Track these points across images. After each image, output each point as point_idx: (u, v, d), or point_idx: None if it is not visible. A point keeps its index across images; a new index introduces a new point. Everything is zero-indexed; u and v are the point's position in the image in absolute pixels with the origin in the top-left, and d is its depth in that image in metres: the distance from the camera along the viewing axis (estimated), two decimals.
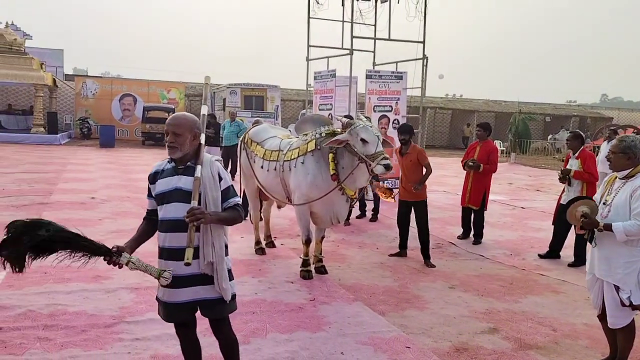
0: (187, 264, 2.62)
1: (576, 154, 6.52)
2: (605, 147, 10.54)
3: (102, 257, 2.64)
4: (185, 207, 2.66)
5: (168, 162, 2.89)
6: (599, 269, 3.62)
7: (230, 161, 12.73)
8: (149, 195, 2.93)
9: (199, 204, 2.71)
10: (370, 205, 9.11)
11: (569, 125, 30.74)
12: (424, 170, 6.55)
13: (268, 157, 5.95)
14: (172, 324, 3.02)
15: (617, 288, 3.51)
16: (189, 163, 2.82)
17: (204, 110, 2.99)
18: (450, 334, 4.32)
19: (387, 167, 4.98)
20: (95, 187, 10.92)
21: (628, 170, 3.54)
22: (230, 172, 12.70)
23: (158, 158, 18.16)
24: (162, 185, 2.82)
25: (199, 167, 2.76)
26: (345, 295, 5.13)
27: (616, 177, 3.65)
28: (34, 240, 2.48)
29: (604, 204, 3.64)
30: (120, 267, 2.70)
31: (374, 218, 8.91)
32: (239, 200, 2.89)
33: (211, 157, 2.90)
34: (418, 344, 4.08)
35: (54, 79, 25.12)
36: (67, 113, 26.70)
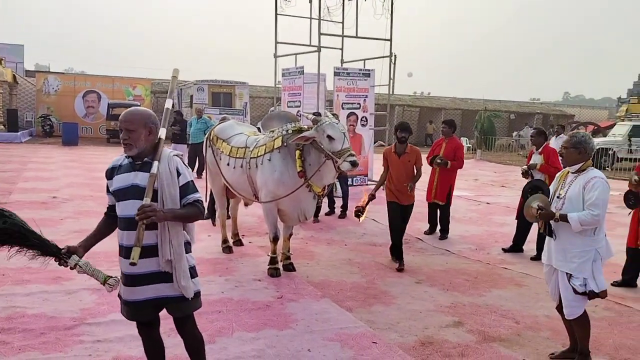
0: (133, 264, 2.54)
1: (539, 150, 6.68)
2: (553, 143, 10.78)
3: (52, 257, 2.60)
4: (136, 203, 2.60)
5: (126, 157, 2.80)
6: (556, 260, 3.73)
7: (197, 159, 12.55)
8: (108, 191, 2.84)
9: (156, 200, 2.64)
10: (339, 202, 9.13)
11: (533, 123, 31.49)
12: (415, 171, 6.23)
13: (234, 154, 5.88)
14: (134, 325, 2.95)
15: (569, 277, 3.63)
16: (146, 159, 2.73)
17: (169, 104, 2.91)
18: (416, 328, 4.37)
19: (354, 164, 5.00)
20: (57, 186, 10.63)
21: (579, 165, 3.71)
22: (197, 170, 12.54)
23: None
24: (119, 181, 2.74)
25: (155, 163, 2.66)
26: (313, 292, 5.12)
27: (568, 172, 3.80)
28: None
29: (557, 197, 3.78)
30: (72, 269, 2.63)
31: (343, 215, 8.94)
32: (199, 196, 2.81)
33: (170, 151, 2.82)
34: (384, 339, 4.11)
35: (13, 75, 24.35)
36: (28, 110, 25.91)
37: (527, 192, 4.13)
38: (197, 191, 2.81)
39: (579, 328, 3.76)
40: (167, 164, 2.72)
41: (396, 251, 6.21)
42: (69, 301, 4.50)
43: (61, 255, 2.57)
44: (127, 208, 2.68)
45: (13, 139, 20.65)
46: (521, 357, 3.91)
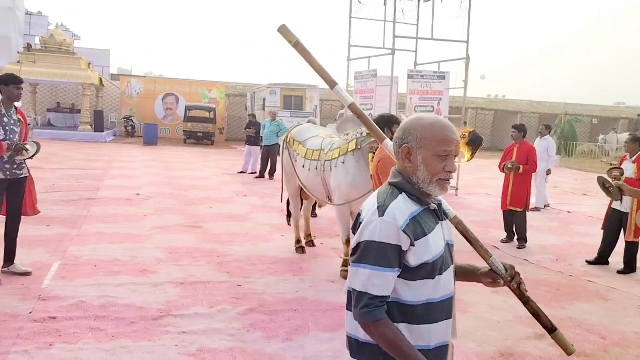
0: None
1: (633, 158, 6.27)
2: (538, 144, 10.06)
3: None
4: (452, 274, 1.77)
5: (410, 199, 1.67)
6: None
7: (269, 160, 12.85)
8: (392, 264, 1.60)
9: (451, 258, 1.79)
10: None
11: (618, 128, 29.66)
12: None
13: (310, 157, 5.98)
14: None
15: None
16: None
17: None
18: (495, 338, 4.24)
19: None
20: (140, 184, 11.22)
21: None
22: (269, 171, 12.86)
23: (199, 156, 18.54)
24: (435, 244, 1.66)
25: (445, 202, 1.81)
26: None
27: None
28: None
29: None
30: None
31: None
32: None
33: None
34: (462, 347, 4.02)
35: (100, 78, 25.96)
36: (113, 111, 27.61)
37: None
38: None
39: None
40: None
41: None
42: (155, 293, 4.75)
43: None
44: (445, 285, 1.72)
45: (99, 139, 22.06)
46: None
